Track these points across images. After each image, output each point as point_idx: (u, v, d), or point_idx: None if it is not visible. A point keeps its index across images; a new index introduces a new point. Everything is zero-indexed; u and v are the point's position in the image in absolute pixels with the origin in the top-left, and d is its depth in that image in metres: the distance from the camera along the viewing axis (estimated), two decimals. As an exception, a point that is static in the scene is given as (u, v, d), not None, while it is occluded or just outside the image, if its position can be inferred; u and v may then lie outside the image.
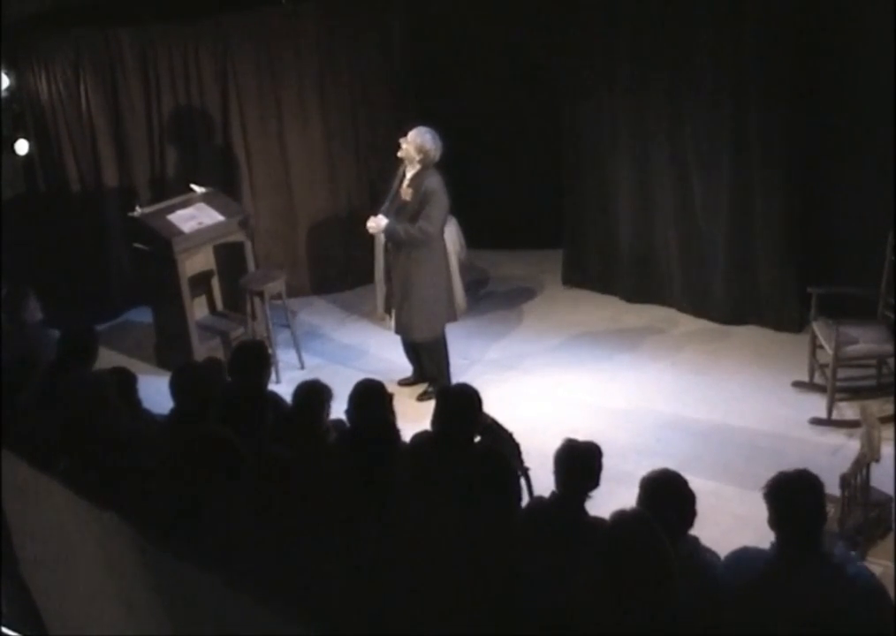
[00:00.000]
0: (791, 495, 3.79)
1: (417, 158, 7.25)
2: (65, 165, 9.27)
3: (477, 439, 4.94)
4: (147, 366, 8.33)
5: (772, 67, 7.58)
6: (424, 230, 7.23)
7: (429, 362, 7.72)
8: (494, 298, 9.47)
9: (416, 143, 7.22)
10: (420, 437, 4.93)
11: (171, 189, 9.17)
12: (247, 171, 9.50)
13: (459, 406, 4.83)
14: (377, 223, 7.34)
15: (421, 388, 7.78)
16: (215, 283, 9.00)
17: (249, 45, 9.21)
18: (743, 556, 3.94)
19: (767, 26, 7.52)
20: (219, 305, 9.07)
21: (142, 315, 9.23)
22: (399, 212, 7.33)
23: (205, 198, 8.64)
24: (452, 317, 7.72)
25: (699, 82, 7.94)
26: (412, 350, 7.81)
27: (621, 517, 3.38)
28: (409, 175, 7.33)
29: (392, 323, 7.74)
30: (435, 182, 7.24)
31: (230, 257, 8.80)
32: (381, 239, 7.79)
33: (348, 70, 9.48)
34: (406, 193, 7.32)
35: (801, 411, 7.07)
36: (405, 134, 7.34)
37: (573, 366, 8.06)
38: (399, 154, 7.34)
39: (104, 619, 4.13)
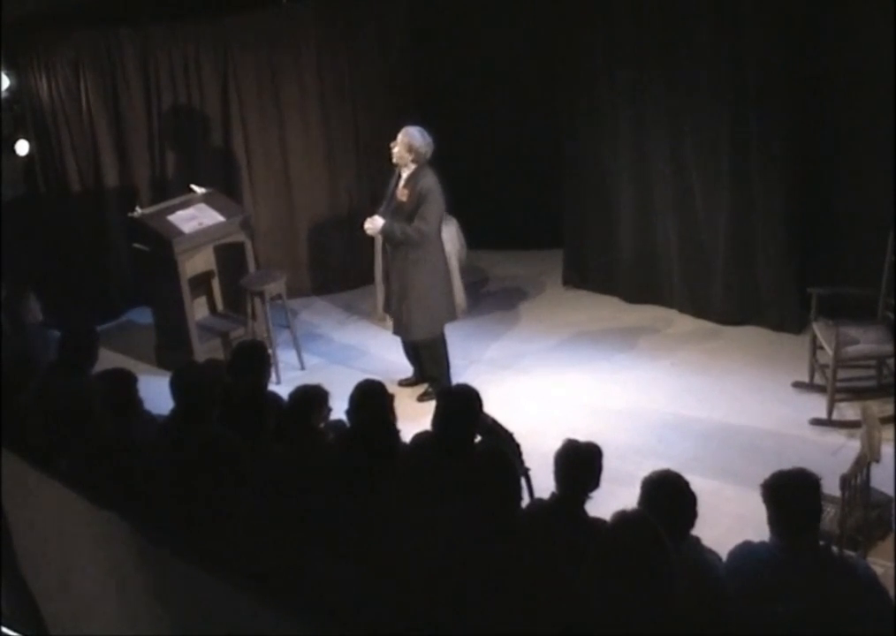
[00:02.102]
0: (787, 494, 3.84)
1: (410, 158, 7.25)
2: (66, 166, 9.26)
3: (478, 439, 4.94)
4: (147, 366, 8.33)
5: (772, 67, 7.57)
6: (420, 229, 7.23)
7: (429, 362, 7.72)
8: (494, 298, 9.47)
9: (405, 143, 7.24)
10: (420, 438, 4.93)
11: (172, 189, 9.17)
12: (247, 172, 9.50)
13: (460, 407, 4.82)
14: (374, 224, 7.34)
15: (421, 388, 7.77)
16: (215, 283, 9.00)
17: (249, 46, 9.21)
18: (745, 550, 3.96)
19: (767, 26, 7.51)
20: (219, 305, 9.07)
21: (143, 316, 9.24)
22: (396, 212, 7.33)
23: (205, 198, 8.64)
24: (452, 316, 7.72)
25: (698, 83, 7.94)
26: (412, 350, 7.81)
27: (622, 517, 3.38)
28: (404, 175, 7.34)
29: (391, 324, 7.75)
30: (430, 181, 7.24)
31: (230, 257, 8.80)
32: (380, 240, 7.80)
33: (348, 70, 9.49)
34: (402, 193, 7.32)
35: (802, 411, 7.07)
36: (394, 139, 7.35)
37: (573, 366, 8.06)
38: (394, 159, 7.35)
39: (104, 619, 4.13)
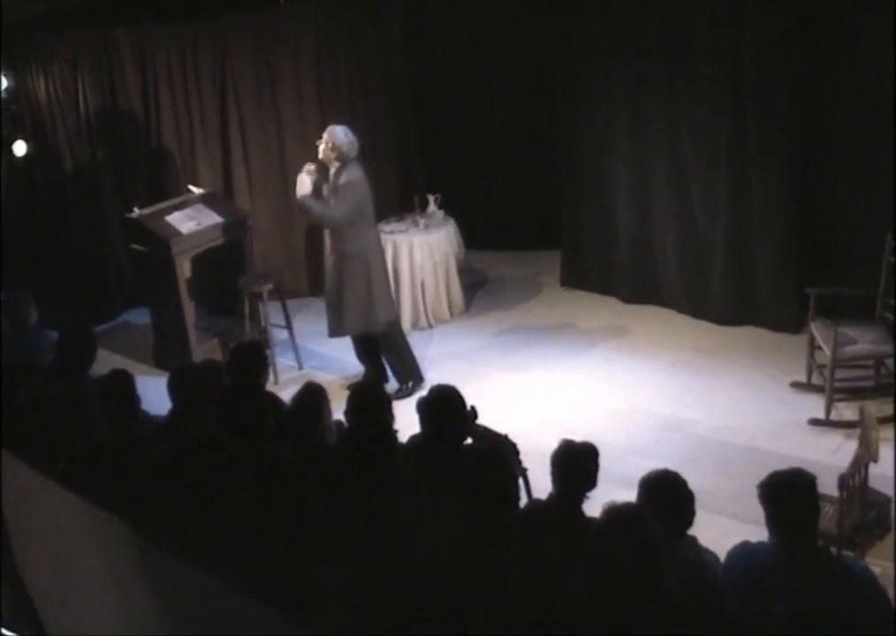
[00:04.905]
0: (783, 494, 3.85)
1: (332, 155, 7.30)
2: (63, 166, 9.27)
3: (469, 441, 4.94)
4: (145, 367, 8.33)
5: (771, 67, 7.58)
6: (327, 216, 7.31)
7: (392, 360, 7.78)
8: (492, 299, 9.47)
9: (329, 141, 7.29)
10: (416, 439, 4.94)
11: (169, 190, 9.17)
12: (245, 172, 9.50)
13: (442, 409, 4.82)
14: (301, 186, 7.34)
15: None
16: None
17: (247, 46, 9.23)
18: (743, 550, 3.97)
19: (766, 26, 7.52)
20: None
21: (140, 316, 9.24)
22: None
23: (203, 199, 8.65)
24: (392, 313, 7.79)
25: (697, 83, 7.94)
26: (364, 349, 7.84)
27: (611, 510, 3.38)
28: (331, 173, 7.39)
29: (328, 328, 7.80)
30: (350, 176, 7.27)
31: (228, 258, 8.79)
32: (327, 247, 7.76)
33: (346, 70, 9.50)
34: (327, 190, 7.40)
35: (800, 411, 7.07)
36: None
37: (571, 366, 8.06)
38: (320, 156, 7.39)
39: (103, 620, 4.13)
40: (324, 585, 3.46)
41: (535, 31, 9.22)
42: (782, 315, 8.12)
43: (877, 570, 4.65)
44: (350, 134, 7.33)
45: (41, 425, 4.86)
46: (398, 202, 9.42)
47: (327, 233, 7.53)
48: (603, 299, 9.15)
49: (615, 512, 3.36)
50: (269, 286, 8.32)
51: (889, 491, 5.69)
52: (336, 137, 7.28)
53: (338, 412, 5.08)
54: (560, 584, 3.46)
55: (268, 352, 6.91)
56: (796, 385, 7.37)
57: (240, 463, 3.94)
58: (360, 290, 7.46)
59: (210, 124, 9.39)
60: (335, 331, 7.71)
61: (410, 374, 7.76)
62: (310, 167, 7.40)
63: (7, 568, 4.82)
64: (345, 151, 7.27)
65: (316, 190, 7.44)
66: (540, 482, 4.70)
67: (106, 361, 6.85)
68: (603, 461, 4.39)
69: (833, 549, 4.91)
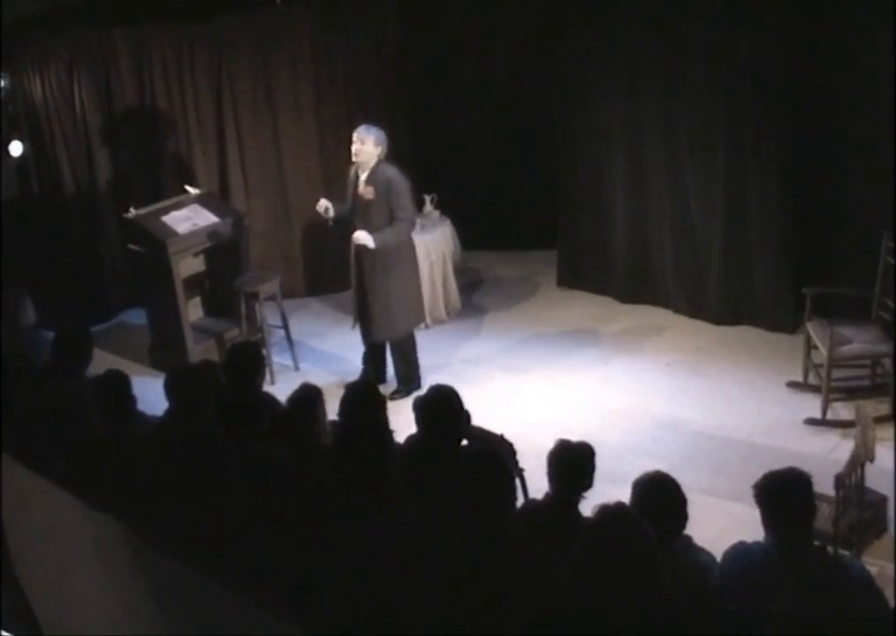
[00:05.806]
0: (778, 494, 3.85)
1: (376, 152, 7.29)
2: (60, 167, 9.26)
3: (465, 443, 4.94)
4: (141, 367, 8.32)
5: (768, 67, 7.58)
6: (406, 220, 7.32)
7: (401, 362, 7.77)
8: (488, 299, 9.47)
9: (372, 140, 7.28)
10: (413, 439, 4.94)
11: (166, 190, 9.17)
12: (242, 172, 9.50)
13: (439, 409, 4.82)
14: (366, 241, 7.28)
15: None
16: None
17: (244, 46, 9.23)
18: (739, 550, 3.97)
19: (763, 25, 7.52)
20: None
21: (137, 317, 9.24)
22: (364, 212, 7.34)
23: (199, 199, 8.64)
24: (422, 317, 7.91)
25: (694, 83, 7.94)
26: (378, 352, 7.83)
27: (603, 511, 3.38)
28: (364, 175, 7.35)
29: (359, 328, 7.75)
30: (391, 170, 7.30)
31: (225, 258, 8.79)
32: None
33: (343, 70, 9.49)
34: (366, 191, 7.32)
35: (796, 411, 7.07)
36: (351, 141, 7.37)
37: (568, 366, 8.06)
38: (359, 158, 7.34)
39: (100, 621, 4.13)
40: (321, 585, 3.46)
41: (533, 32, 9.23)
42: (778, 315, 8.13)
43: (873, 569, 4.66)
44: (380, 129, 7.37)
45: (38, 425, 4.86)
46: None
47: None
48: (600, 298, 9.15)
49: (605, 512, 3.37)
50: (266, 286, 8.31)
51: (885, 490, 5.70)
52: (377, 135, 7.29)
53: (334, 413, 5.08)
54: (557, 584, 3.46)
55: (264, 352, 6.91)
56: (793, 385, 7.38)
57: (236, 463, 3.94)
58: (407, 286, 7.51)
59: (207, 125, 9.38)
60: (383, 334, 7.63)
61: (413, 377, 7.75)
62: (323, 203, 7.45)
63: (4, 568, 4.82)
64: (385, 148, 7.32)
65: (340, 217, 7.49)
66: (537, 482, 4.70)
67: (102, 362, 6.83)
68: (600, 461, 4.40)
69: (830, 549, 4.91)
